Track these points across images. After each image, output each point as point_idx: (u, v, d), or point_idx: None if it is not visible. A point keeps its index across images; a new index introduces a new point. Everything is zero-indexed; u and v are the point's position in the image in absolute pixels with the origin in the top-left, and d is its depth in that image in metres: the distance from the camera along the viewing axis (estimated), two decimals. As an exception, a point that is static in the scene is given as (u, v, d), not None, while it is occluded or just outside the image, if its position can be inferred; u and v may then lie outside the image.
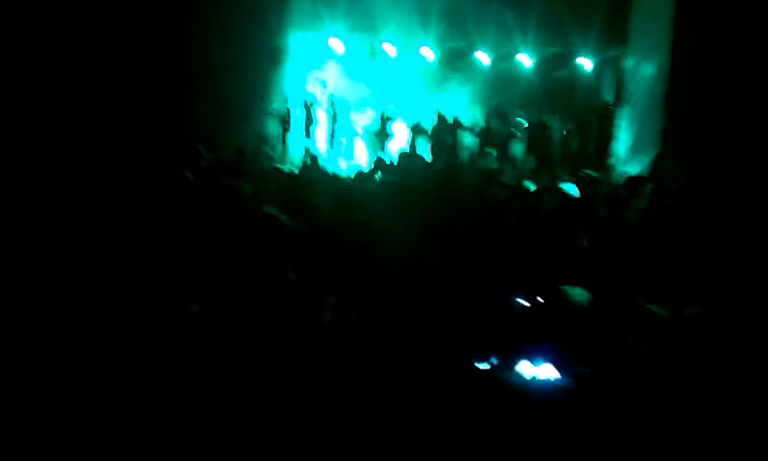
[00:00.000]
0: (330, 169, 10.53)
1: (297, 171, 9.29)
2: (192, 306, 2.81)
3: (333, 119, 10.95)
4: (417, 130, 10.76)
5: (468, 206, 5.32)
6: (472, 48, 11.90)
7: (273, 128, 11.16)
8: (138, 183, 3.13)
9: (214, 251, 3.05)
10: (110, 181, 3.33)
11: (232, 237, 2.84)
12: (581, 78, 11.92)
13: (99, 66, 8.78)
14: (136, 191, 3.17)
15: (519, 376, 3.64)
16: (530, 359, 3.84)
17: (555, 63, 11.95)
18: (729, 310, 4.19)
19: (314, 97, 10.93)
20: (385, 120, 10.73)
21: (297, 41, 11.61)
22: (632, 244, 5.17)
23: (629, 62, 11.37)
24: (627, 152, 11.05)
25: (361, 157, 11.75)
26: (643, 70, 10.77)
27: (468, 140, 11.03)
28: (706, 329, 4.20)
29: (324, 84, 11.16)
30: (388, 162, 9.06)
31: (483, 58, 11.88)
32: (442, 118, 10.65)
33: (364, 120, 11.80)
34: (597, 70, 11.84)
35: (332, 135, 11.01)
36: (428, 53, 11.92)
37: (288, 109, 10.87)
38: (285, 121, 10.94)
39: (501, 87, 12.04)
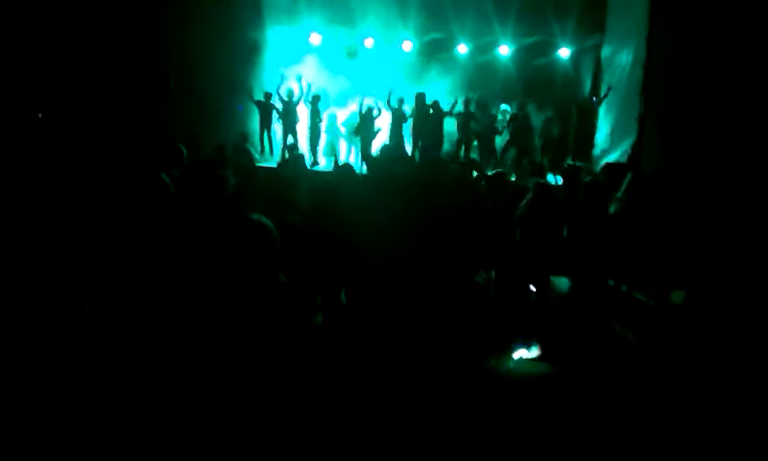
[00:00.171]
0: (310, 164, 10.50)
1: (277, 166, 9.23)
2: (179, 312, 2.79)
3: (313, 114, 10.87)
4: (397, 117, 10.71)
5: (449, 197, 5.32)
6: (452, 39, 11.89)
7: (253, 124, 11.07)
8: (119, 186, 3.08)
9: (199, 256, 3.02)
10: (90, 183, 3.27)
11: (218, 242, 2.81)
12: (560, 67, 11.99)
13: (78, 69, 8.66)
14: (116, 193, 3.12)
15: (507, 365, 3.68)
16: (517, 347, 3.88)
17: (534, 53, 12.00)
18: (713, 293, 4.24)
19: (293, 92, 10.84)
20: (365, 114, 10.68)
21: (275, 36, 11.50)
22: (613, 231, 5.22)
23: (606, 50, 11.47)
24: (606, 139, 11.16)
25: (342, 152, 11.70)
26: (620, 58, 10.88)
27: (451, 127, 11.03)
28: (692, 315, 4.26)
29: (299, 77, 11.06)
30: (371, 155, 9.02)
31: (462, 49, 11.88)
32: (421, 103, 10.60)
33: (344, 114, 11.74)
34: (576, 59, 11.91)
35: (312, 130, 10.93)
36: (408, 45, 11.89)
37: (268, 105, 10.77)
38: (265, 117, 10.85)
39: (481, 78, 12.06)
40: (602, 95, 11.02)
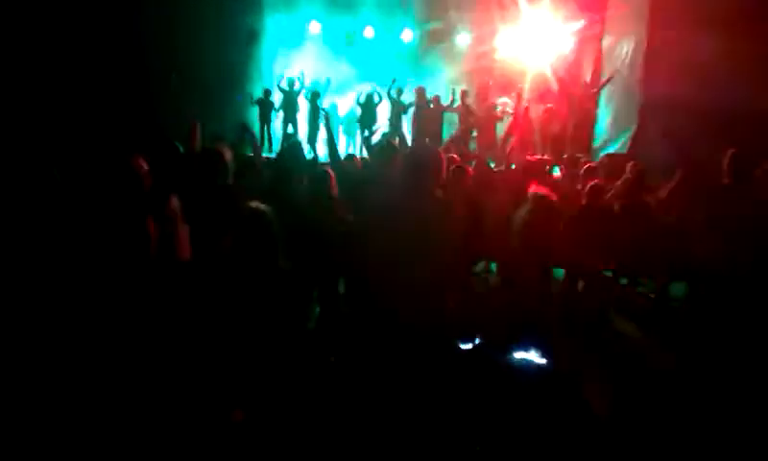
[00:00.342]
0: (310, 154, 10.48)
1: (275, 156, 9.20)
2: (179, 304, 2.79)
3: (313, 104, 10.82)
4: (397, 108, 10.69)
5: (448, 188, 5.31)
6: (452, 28, 11.83)
7: (253, 114, 11.01)
8: (118, 182, 3.06)
9: (198, 244, 3.03)
10: (88, 181, 3.26)
11: (218, 230, 2.82)
12: (560, 57, 11.91)
13: (74, 62, 8.60)
14: (114, 190, 3.10)
15: (505, 356, 3.69)
16: (515, 339, 3.90)
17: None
18: (715, 286, 4.23)
19: (293, 82, 10.79)
20: (366, 102, 10.64)
21: (274, 24, 11.43)
22: (611, 222, 5.22)
23: (607, 40, 11.41)
24: (606, 130, 11.13)
25: (341, 143, 11.68)
26: (620, 47, 10.83)
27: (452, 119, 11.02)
28: (694, 309, 4.25)
29: (302, 73, 11.00)
30: (372, 145, 9.00)
31: (462, 38, 11.82)
32: (422, 95, 10.58)
33: (344, 104, 11.70)
34: (577, 49, 11.85)
35: (311, 124, 10.88)
36: (407, 34, 11.83)
37: (267, 101, 10.70)
38: (264, 112, 10.77)
39: (481, 68, 12.01)
40: (602, 82, 10.99)
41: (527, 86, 11.47)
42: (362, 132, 10.79)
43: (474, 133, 11.16)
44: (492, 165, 6.89)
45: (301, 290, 2.52)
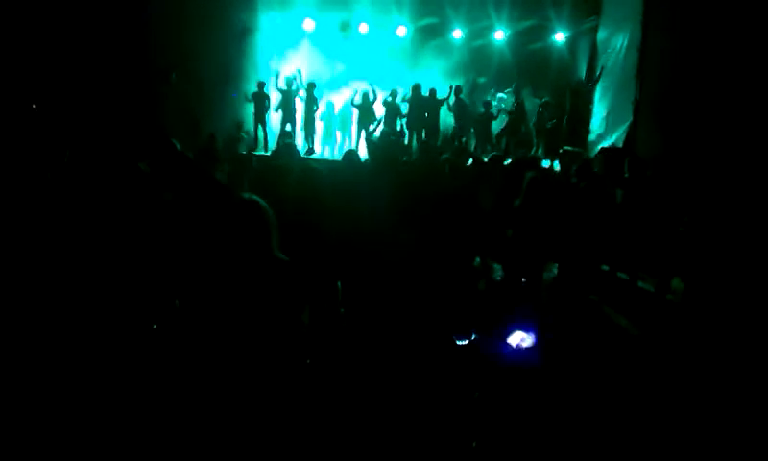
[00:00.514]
0: (305, 152, 10.44)
1: (270, 155, 9.17)
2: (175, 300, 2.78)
3: (309, 101, 10.77)
4: (393, 111, 10.66)
5: (444, 184, 5.32)
6: (447, 24, 11.79)
7: (248, 115, 10.95)
8: (100, 179, 3.06)
9: (194, 238, 3.01)
10: (87, 181, 3.26)
11: (212, 223, 2.81)
12: (555, 52, 11.92)
13: (72, 60, 8.56)
14: (98, 187, 3.09)
15: (499, 348, 3.69)
16: (509, 333, 3.90)
17: (529, 37, 11.91)
18: (714, 280, 4.23)
19: (289, 80, 10.75)
20: (362, 101, 10.61)
21: (268, 21, 11.36)
22: (607, 216, 5.22)
23: (602, 34, 11.39)
24: (602, 124, 11.12)
25: (336, 140, 11.65)
26: (615, 41, 10.81)
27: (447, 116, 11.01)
28: (693, 303, 4.25)
29: (299, 72, 10.95)
30: (370, 143, 9.02)
31: (457, 34, 11.78)
32: (417, 93, 10.55)
33: (339, 101, 11.66)
34: (571, 43, 11.83)
35: (307, 118, 10.84)
36: (402, 30, 11.79)
37: (262, 94, 10.65)
38: (260, 108, 10.71)
39: (476, 63, 11.99)
40: (596, 76, 10.99)
41: (521, 82, 11.49)
42: (360, 131, 10.79)
43: (472, 130, 11.18)
44: (486, 160, 6.87)
45: (298, 281, 2.50)
